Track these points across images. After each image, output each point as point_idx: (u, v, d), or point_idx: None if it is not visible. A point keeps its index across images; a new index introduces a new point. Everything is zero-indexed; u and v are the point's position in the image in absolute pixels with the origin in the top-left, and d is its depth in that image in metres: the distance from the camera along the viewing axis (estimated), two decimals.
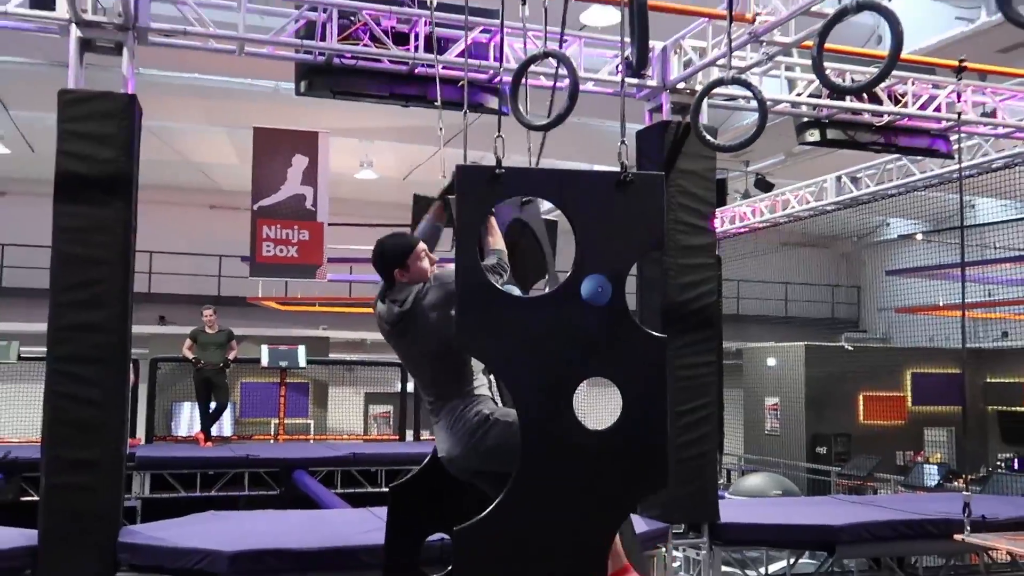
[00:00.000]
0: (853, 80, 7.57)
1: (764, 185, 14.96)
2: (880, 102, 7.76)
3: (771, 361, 19.34)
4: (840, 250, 24.80)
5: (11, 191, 18.91)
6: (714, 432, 6.87)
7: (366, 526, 5.99)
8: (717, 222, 13.50)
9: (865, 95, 7.61)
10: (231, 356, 12.05)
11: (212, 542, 5.36)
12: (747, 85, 5.23)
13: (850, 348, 19.47)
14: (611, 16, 9.76)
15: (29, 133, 15.15)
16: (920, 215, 18.38)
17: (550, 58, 4.58)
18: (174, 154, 16.90)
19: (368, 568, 5.43)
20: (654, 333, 4.12)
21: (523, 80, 4.60)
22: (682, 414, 6.66)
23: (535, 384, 3.91)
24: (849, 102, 7.67)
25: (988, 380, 18.88)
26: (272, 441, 13.19)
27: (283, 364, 13.28)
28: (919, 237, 19.01)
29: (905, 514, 6.86)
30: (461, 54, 6.44)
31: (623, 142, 4.15)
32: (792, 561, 7.07)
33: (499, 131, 4.08)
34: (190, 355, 11.88)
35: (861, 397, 18.73)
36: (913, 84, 7.90)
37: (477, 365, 4.27)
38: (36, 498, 5.76)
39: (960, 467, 17.59)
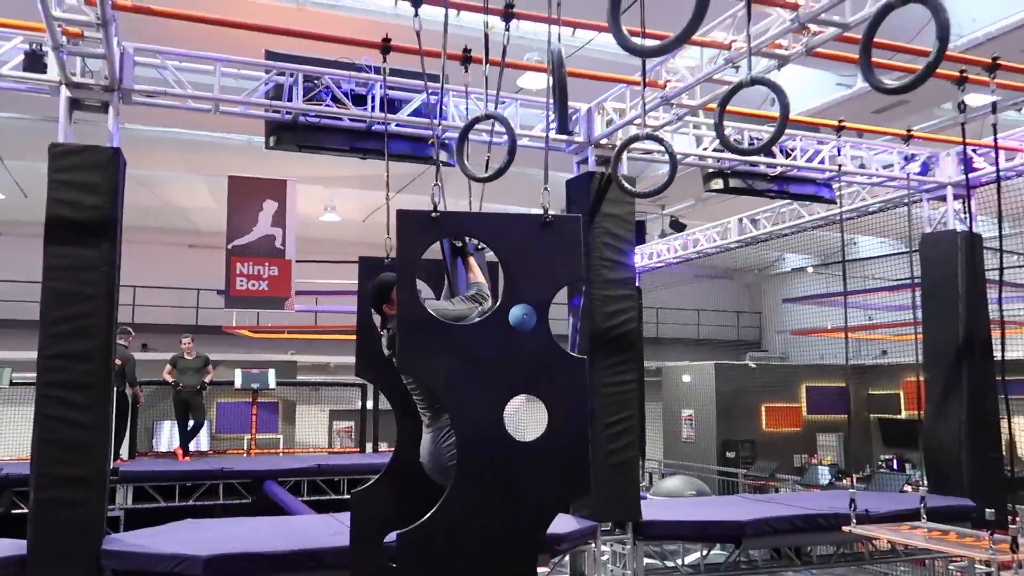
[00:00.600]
0: (751, 139, 7.76)
1: (677, 226, 15.20)
2: (773, 155, 7.97)
3: (686, 378, 19.55)
4: (744, 281, 25.27)
5: (6, 232, 18.40)
6: (636, 441, 6.91)
7: (330, 530, 5.90)
8: (637, 258, 13.68)
9: None
10: (207, 379, 11.83)
11: (189, 547, 5.23)
12: (659, 140, 5.34)
13: (753, 366, 19.78)
14: (544, 81, 9.90)
15: (23, 180, 14.79)
16: (810, 251, 18.84)
17: (491, 119, 4.63)
18: (157, 200, 16.65)
19: (332, 568, 5.35)
20: (575, 354, 4.18)
21: (468, 137, 4.63)
22: (608, 425, 6.70)
23: (469, 402, 3.93)
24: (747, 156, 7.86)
25: (870, 392, 19.31)
26: (245, 455, 12.91)
27: (255, 386, 13.05)
28: (809, 270, 19.47)
29: (801, 509, 6.98)
30: (412, 113, 6.47)
31: (546, 188, 4.21)
32: (705, 552, 7.12)
33: (436, 180, 4.13)
34: (170, 379, 11.64)
35: (763, 408, 19.03)
36: (800, 140, 8.13)
37: None
38: (26, 511, 5.56)
39: (848, 467, 17.98)
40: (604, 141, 7.13)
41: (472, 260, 4.43)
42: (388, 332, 4.37)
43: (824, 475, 11.53)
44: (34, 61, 5.65)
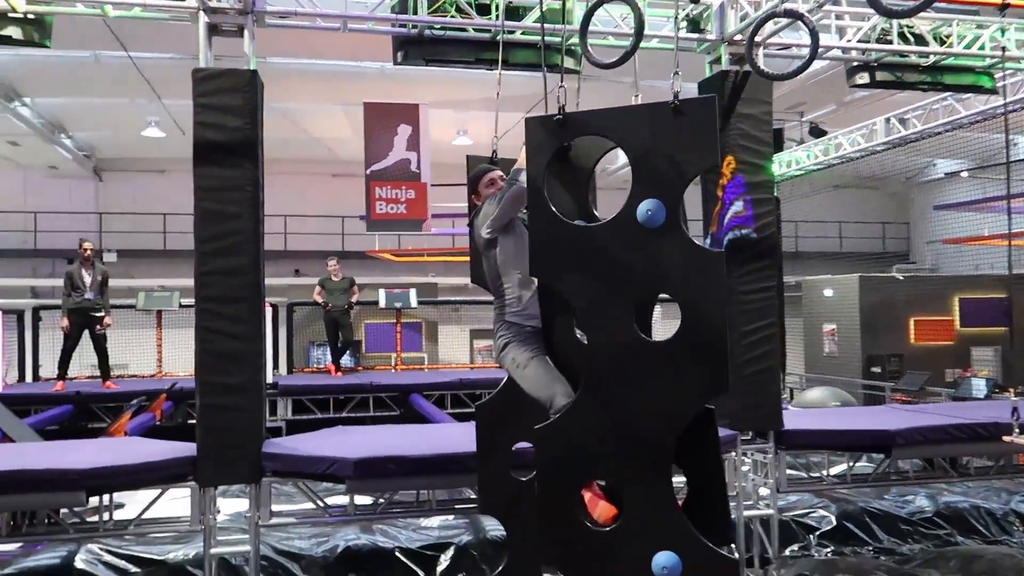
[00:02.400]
0: (900, 27, 7.06)
1: (817, 132, 14.27)
2: (926, 43, 7.23)
3: (828, 292, 18.70)
4: (890, 190, 23.70)
5: (170, 169, 19.46)
6: (776, 350, 6.57)
7: (471, 437, 5.94)
8: (775, 166, 12.99)
9: (911, 37, 7.10)
10: (354, 299, 12.22)
11: (340, 450, 5.41)
12: (799, 16, 4.86)
13: (901, 278, 18.69)
14: None
15: (180, 119, 15.51)
16: (964, 155, 17.40)
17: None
18: (300, 132, 17.11)
19: (471, 471, 5.41)
20: (709, 248, 3.96)
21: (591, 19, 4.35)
22: (746, 334, 6.41)
23: (602, 304, 3.84)
24: (896, 45, 7.16)
25: None
26: (392, 370, 13.35)
27: (398, 305, 13.38)
28: (964, 175, 18.01)
29: (956, 419, 6.50)
30: (537, 20, 6.21)
31: (676, 72, 3.91)
32: (851, 463, 6.79)
33: (561, 81, 3.95)
34: (319, 299, 12.10)
35: (912, 321, 17.98)
36: (957, 25, 7.33)
37: (518, 291, 4.34)
38: None
39: (1006, 380, 16.87)
40: (738, 37, 6.64)
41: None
42: (470, 223, 4.62)
43: (980, 388, 10.73)
44: None
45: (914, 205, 23.05)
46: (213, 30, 5.78)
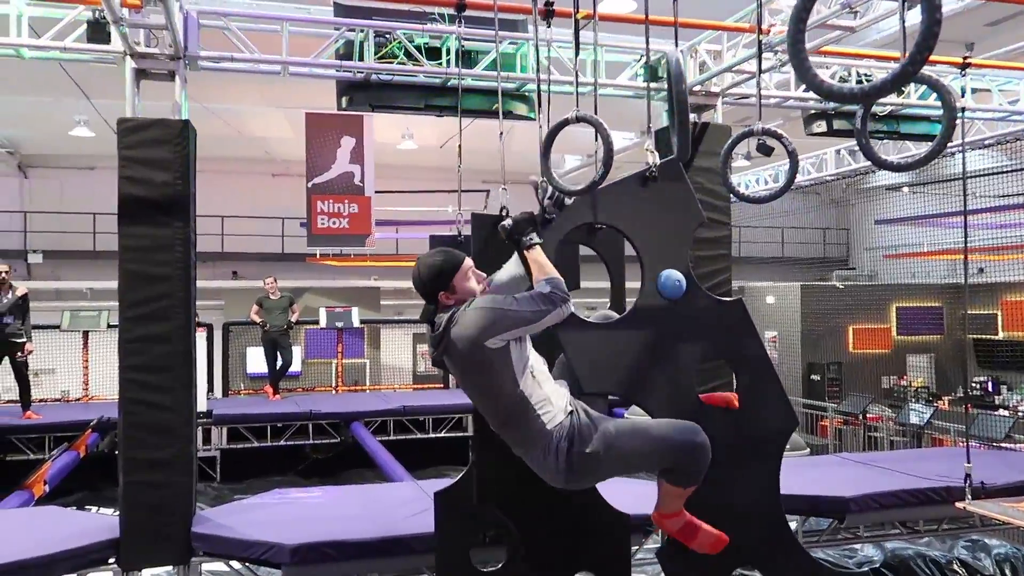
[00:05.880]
0: (859, 76, 6.94)
1: (765, 149, 14.20)
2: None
3: (770, 299, 18.85)
4: (831, 196, 23.96)
5: (99, 166, 18.55)
6: None
7: (418, 507, 5.68)
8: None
9: None
10: (293, 318, 11.79)
11: (276, 533, 5.08)
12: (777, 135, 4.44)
13: (841, 287, 18.94)
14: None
15: (111, 118, 14.73)
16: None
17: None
18: (234, 131, 16.43)
19: (418, 554, 5.16)
20: (725, 299, 3.75)
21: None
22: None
23: (663, 394, 3.50)
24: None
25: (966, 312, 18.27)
26: (333, 391, 12.96)
27: (339, 324, 12.96)
28: (905, 190, 18.27)
29: (909, 481, 6.41)
30: (490, 66, 5.92)
31: (649, 139, 3.65)
32: (804, 519, 6.68)
33: (503, 182, 3.63)
34: (257, 319, 11.64)
35: (851, 329, 18.25)
36: None
37: (545, 391, 3.16)
38: None
39: (940, 389, 17.29)
40: (697, 87, 6.43)
41: (533, 254, 3.20)
42: (434, 328, 3.12)
43: (920, 414, 10.80)
44: (97, 30, 5.29)
45: (854, 210, 23.35)
46: (141, 75, 5.36)
